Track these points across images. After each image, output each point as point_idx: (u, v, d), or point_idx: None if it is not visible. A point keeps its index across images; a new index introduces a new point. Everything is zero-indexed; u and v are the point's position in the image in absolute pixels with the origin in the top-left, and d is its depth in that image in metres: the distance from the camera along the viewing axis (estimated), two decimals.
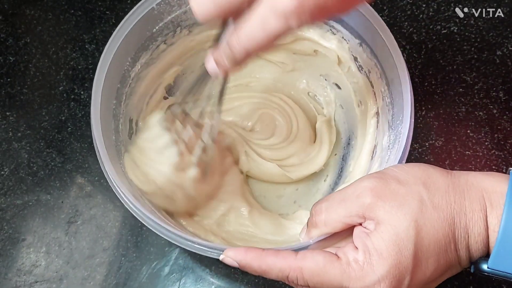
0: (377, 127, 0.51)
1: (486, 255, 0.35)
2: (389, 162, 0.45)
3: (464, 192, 0.35)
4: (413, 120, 0.43)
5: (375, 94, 0.51)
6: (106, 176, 0.43)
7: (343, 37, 0.52)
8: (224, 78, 0.44)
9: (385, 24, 0.46)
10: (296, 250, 0.38)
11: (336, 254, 0.35)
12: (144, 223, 0.41)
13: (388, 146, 0.47)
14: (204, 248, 0.40)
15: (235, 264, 0.37)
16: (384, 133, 0.49)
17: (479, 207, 0.34)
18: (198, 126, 0.50)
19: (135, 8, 0.48)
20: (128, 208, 0.42)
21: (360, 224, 0.36)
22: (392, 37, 0.46)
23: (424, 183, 0.35)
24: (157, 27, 0.51)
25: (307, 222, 0.40)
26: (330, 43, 0.54)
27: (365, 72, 0.52)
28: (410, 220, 0.33)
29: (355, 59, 0.52)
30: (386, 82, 0.48)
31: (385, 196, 0.35)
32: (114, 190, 0.43)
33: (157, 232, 0.41)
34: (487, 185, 0.35)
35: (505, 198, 0.34)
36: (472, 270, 0.36)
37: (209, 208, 0.53)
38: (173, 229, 0.40)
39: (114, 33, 0.47)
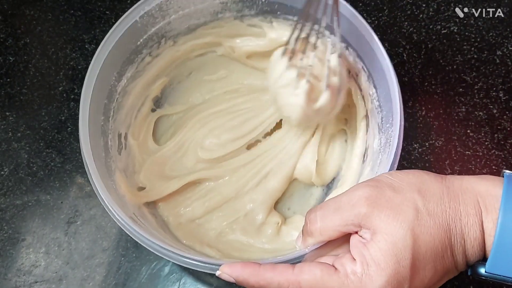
0: (367, 130, 0.51)
1: (483, 259, 0.35)
2: (381, 165, 0.45)
3: (459, 197, 0.35)
4: (403, 123, 0.43)
5: (363, 97, 0.51)
6: (98, 196, 0.43)
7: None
8: None
9: (369, 27, 0.46)
10: (293, 260, 0.38)
11: (333, 266, 0.35)
12: (138, 241, 0.41)
13: (380, 149, 0.47)
14: (197, 263, 0.40)
15: (232, 280, 0.37)
16: (375, 136, 0.49)
17: (474, 212, 0.34)
18: (319, 49, 0.49)
19: (117, 23, 0.48)
20: (121, 226, 0.42)
21: (356, 232, 0.36)
22: (377, 39, 0.46)
23: (418, 190, 0.35)
24: (141, 40, 0.51)
25: (302, 230, 0.39)
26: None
27: (352, 75, 0.52)
28: (407, 229, 0.33)
29: None
30: (374, 85, 0.48)
31: (380, 205, 0.34)
32: (107, 209, 0.43)
33: (151, 250, 0.41)
34: (482, 189, 0.35)
35: (500, 202, 0.34)
36: (469, 273, 0.36)
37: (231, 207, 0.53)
38: (167, 246, 0.40)
39: (98, 49, 0.47)
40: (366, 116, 0.51)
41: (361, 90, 0.51)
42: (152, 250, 0.41)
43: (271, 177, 0.54)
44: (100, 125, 0.48)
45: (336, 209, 0.36)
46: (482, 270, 0.35)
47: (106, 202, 0.42)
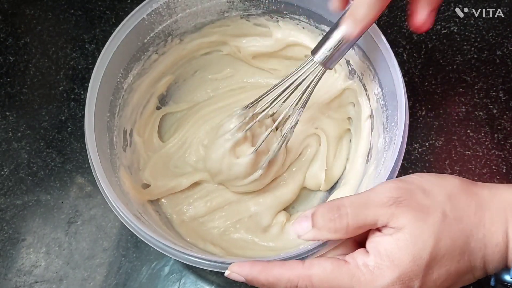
0: (371, 129, 0.51)
1: (505, 267, 0.35)
2: (385, 164, 0.45)
3: (486, 204, 0.35)
4: (408, 122, 0.43)
5: (368, 97, 0.51)
6: (102, 192, 0.43)
7: None
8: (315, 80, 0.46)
9: (376, 26, 0.46)
10: (296, 257, 0.38)
11: (344, 259, 0.35)
12: (141, 238, 0.41)
13: (384, 148, 0.47)
14: (200, 260, 0.40)
15: (241, 279, 0.37)
16: (379, 135, 0.49)
17: (499, 219, 0.35)
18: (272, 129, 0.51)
19: (125, 19, 0.48)
20: (125, 223, 0.42)
21: (377, 229, 0.36)
22: (384, 39, 0.46)
23: (448, 195, 0.35)
24: (148, 37, 0.51)
25: (314, 223, 0.37)
26: None
27: (358, 75, 0.52)
28: (432, 232, 0.34)
29: (348, 62, 0.52)
30: (380, 84, 0.48)
31: (410, 206, 0.35)
32: (111, 206, 0.42)
33: (153, 247, 0.41)
34: (511, 197, 0.35)
35: None
36: (492, 283, 0.36)
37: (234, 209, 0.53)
38: (169, 243, 0.40)
39: (106, 45, 0.47)
40: (371, 115, 0.51)
41: (366, 89, 0.51)
42: (155, 248, 0.41)
43: (282, 186, 0.54)
44: (106, 121, 0.48)
45: (366, 208, 0.36)
46: (507, 277, 0.35)
47: (110, 198, 0.42)
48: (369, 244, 0.35)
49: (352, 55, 0.51)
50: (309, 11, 0.51)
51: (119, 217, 0.42)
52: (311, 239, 0.38)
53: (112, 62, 0.47)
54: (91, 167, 0.43)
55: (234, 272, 0.37)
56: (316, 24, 0.52)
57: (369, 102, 0.51)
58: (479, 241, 0.34)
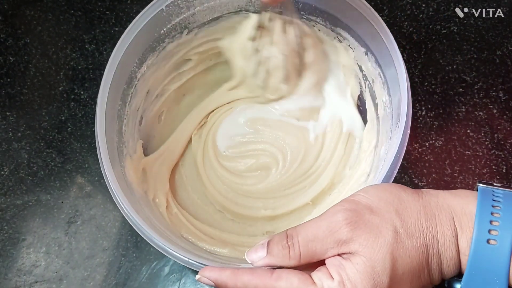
0: (377, 138, 0.51)
1: (458, 275, 0.36)
2: (382, 172, 0.44)
3: (435, 216, 0.35)
4: (408, 130, 0.43)
5: (376, 104, 0.51)
6: (105, 180, 0.43)
7: (349, 45, 0.52)
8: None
9: (390, 33, 0.46)
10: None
11: (311, 277, 0.35)
12: (140, 234, 0.41)
13: (385, 154, 0.46)
14: (192, 261, 0.40)
15: (211, 284, 0.37)
16: (383, 143, 0.48)
17: (450, 232, 0.35)
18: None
19: (145, 9, 0.48)
20: (125, 216, 0.42)
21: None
22: (396, 47, 0.46)
23: (396, 210, 0.35)
24: (165, 29, 0.51)
25: (269, 250, 0.37)
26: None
27: (369, 82, 0.51)
28: (386, 252, 0.33)
29: (360, 68, 0.52)
30: (388, 92, 0.48)
31: (359, 229, 0.34)
32: (113, 196, 0.42)
33: (154, 246, 0.41)
34: (457, 207, 0.35)
35: (473, 220, 0.34)
36: (446, 285, 0.37)
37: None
38: (170, 243, 0.40)
39: (124, 34, 0.47)
40: (377, 123, 0.51)
41: (375, 97, 0.51)
42: (155, 247, 0.41)
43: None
44: (117, 109, 0.48)
45: (316, 236, 0.35)
46: (457, 286, 0.35)
47: (113, 188, 0.42)
48: (330, 267, 0.35)
49: (365, 61, 0.51)
50: (327, 13, 0.51)
51: (119, 207, 0.42)
52: (265, 266, 0.37)
53: (128, 51, 0.47)
54: (98, 155, 0.43)
55: (204, 276, 0.37)
56: (332, 27, 0.52)
57: (377, 110, 0.51)
58: (435, 255, 0.34)
